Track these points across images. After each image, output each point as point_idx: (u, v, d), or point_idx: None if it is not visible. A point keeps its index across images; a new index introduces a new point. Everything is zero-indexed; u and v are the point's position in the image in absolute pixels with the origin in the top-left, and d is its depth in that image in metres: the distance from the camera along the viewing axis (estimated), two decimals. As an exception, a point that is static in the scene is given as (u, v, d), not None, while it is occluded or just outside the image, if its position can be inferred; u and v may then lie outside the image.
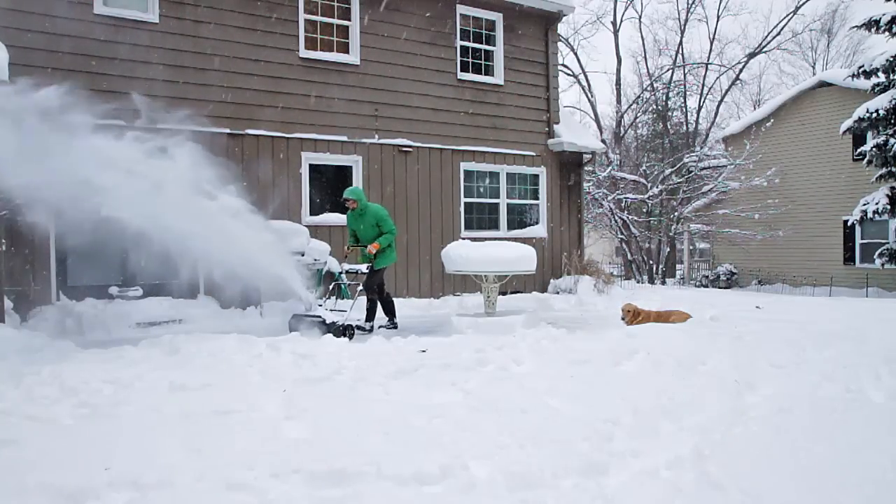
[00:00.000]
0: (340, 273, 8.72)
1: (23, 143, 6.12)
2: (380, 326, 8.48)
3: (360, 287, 8.31)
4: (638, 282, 21.19)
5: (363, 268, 8.32)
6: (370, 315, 8.42)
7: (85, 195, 6.19)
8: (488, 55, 13.01)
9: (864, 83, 16.95)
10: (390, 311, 8.77)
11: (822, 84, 20.77)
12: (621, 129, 29.67)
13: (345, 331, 7.50)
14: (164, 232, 6.57)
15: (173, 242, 6.69)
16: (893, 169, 16.22)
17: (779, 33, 31.57)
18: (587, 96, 29.80)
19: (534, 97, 13.45)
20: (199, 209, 6.96)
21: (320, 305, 8.12)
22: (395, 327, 8.58)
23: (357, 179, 11.45)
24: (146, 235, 6.53)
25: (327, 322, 7.53)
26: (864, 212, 16.79)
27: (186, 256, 7.04)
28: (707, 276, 23.64)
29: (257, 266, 7.42)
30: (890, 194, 16.40)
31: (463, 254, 8.30)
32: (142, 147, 6.99)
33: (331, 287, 9.12)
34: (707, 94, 31.47)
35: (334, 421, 4.01)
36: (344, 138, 11.27)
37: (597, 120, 29.71)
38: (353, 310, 8.10)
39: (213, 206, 7.16)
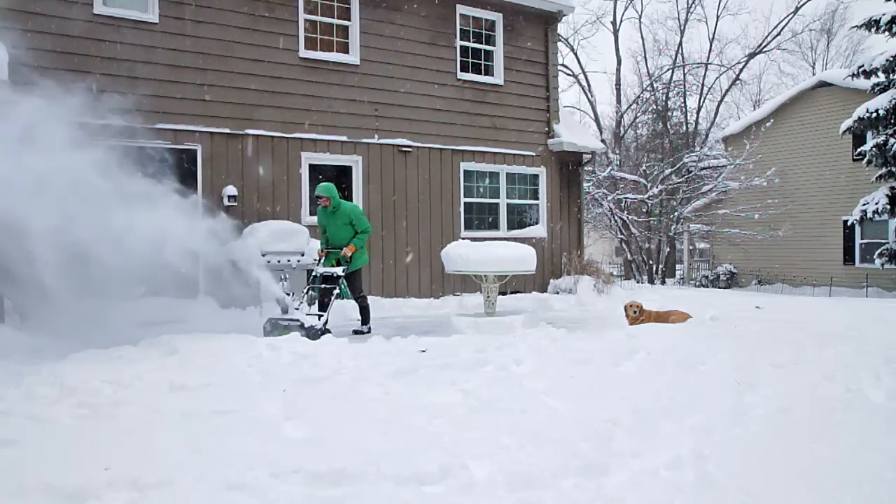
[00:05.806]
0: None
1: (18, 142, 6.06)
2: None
3: (337, 291, 7.97)
4: (638, 282, 21.22)
5: (339, 270, 8.06)
6: (365, 317, 8.38)
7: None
8: (488, 55, 13.01)
9: (864, 83, 16.96)
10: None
11: (822, 84, 20.78)
12: (621, 129, 29.68)
13: (323, 335, 7.11)
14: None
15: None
16: (893, 169, 16.23)
17: (779, 33, 31.61)
18: (587, 96, 29.83)
19: (534, 97, 13.44)
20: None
21: (297, 308, 7.75)
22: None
23: (357, 179, 11.46)
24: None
25: (305, 326, 7.22)
26: (864, 212, 16.80)
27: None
28: (707, 276, 23.65)
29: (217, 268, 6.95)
30: (890, 194, 16.41)
31: (463, 254, 8.29)
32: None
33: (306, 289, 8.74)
34: (707, 94, 31.53)
35: (334, 421, 4.01)
36: (344, 138, 11.27)
37: (597, 120, 29.71)
38: (330, 312, 7.83)
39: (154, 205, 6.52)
